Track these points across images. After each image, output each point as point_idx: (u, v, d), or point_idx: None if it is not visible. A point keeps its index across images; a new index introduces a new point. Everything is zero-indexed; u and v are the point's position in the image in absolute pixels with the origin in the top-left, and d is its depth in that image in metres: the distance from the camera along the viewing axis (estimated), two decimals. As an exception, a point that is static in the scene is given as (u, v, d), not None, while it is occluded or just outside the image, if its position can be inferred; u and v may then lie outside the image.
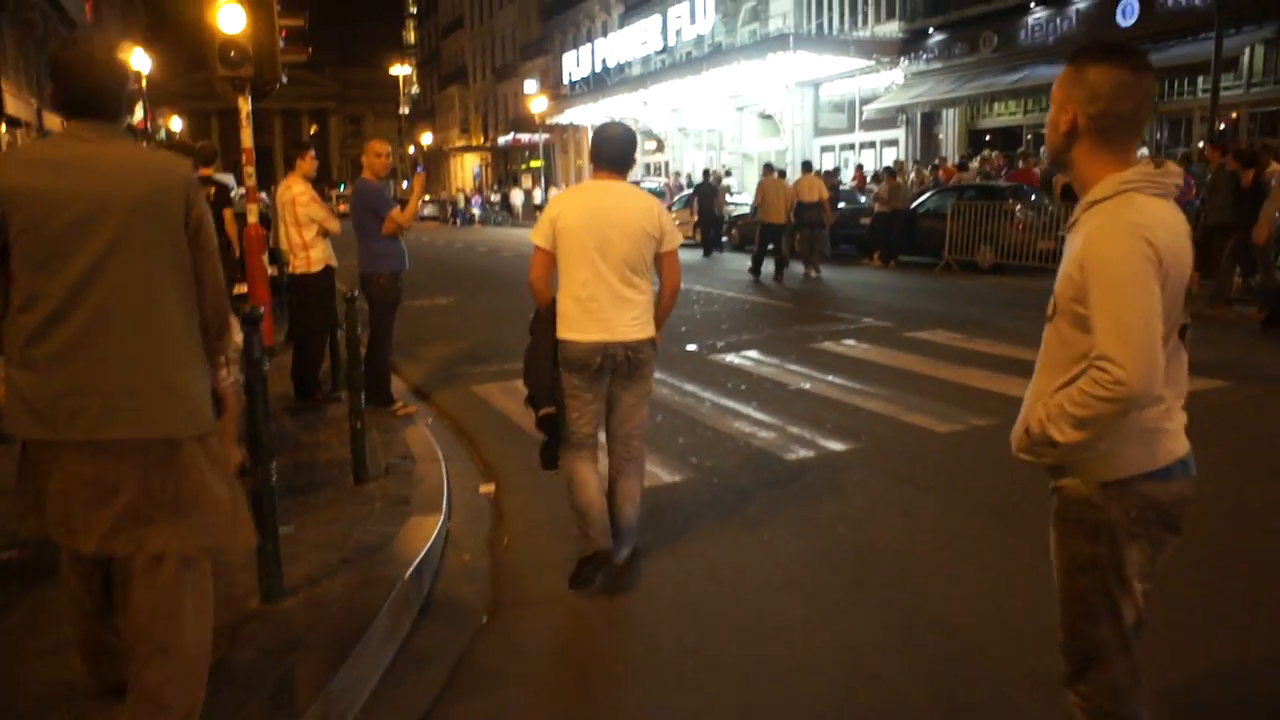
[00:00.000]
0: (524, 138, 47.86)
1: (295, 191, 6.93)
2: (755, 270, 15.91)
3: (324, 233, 7.05)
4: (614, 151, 3.87)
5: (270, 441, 3.59)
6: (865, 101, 26.39)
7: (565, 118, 39.88)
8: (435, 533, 4.41)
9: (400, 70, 74.47)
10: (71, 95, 2.40)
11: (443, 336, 10.80)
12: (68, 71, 2.39)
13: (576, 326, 3.77)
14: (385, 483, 5.17)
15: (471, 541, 4.61)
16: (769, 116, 31.15)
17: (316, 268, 7.01)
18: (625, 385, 3.92)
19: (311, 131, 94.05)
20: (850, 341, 9.33)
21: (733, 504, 4.99)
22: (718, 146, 34.35)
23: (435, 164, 69.65)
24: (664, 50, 35.57)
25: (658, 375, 7.99)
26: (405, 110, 79.79)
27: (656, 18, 34.07)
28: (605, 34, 40.38)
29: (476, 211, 44.50)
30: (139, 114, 39.18)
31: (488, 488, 5.33)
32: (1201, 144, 15.83)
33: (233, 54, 7.69)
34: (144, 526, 2.42)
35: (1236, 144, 12.00)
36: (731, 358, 8.74)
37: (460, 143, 63.13)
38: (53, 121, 31.56)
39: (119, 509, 2.40)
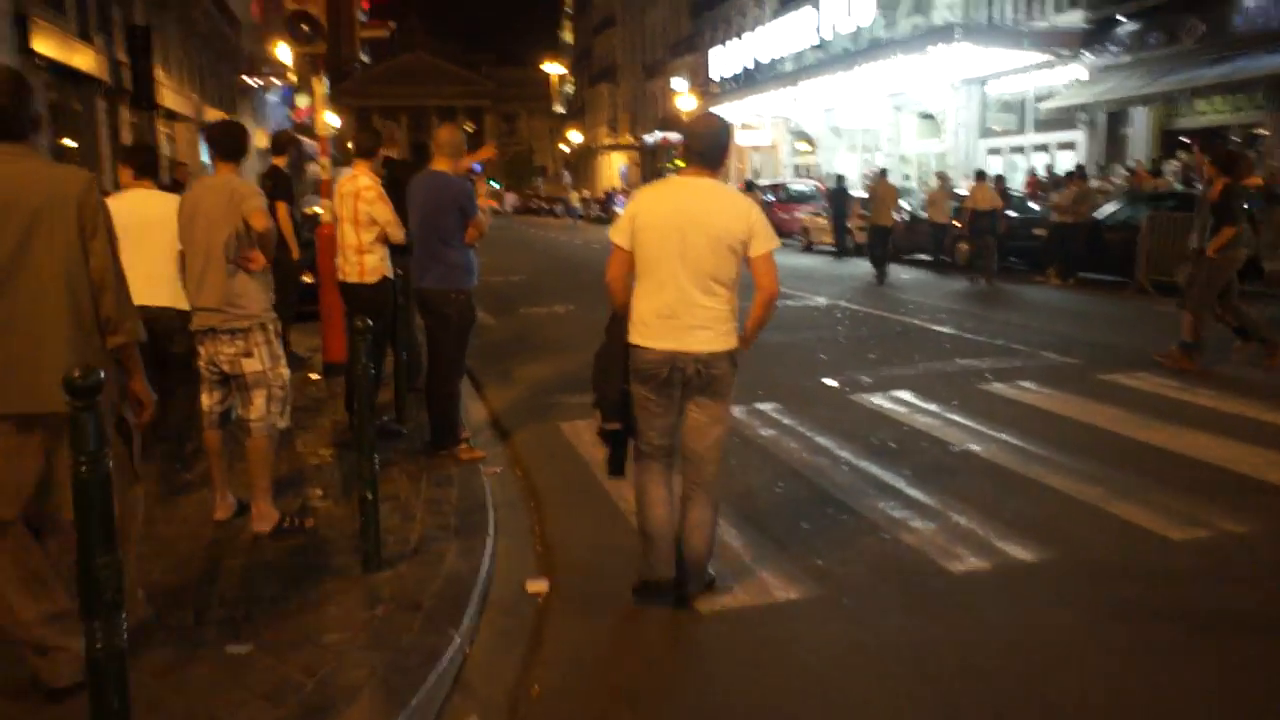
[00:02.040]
0: (671, 136, 46.83)
1: (361, 184, 5.81)
2: (879, 272, 16.08)
3: (384, 238, 5.91)
4: (706, 145, 3.55)
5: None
6: (1040, 99, 23.84)
7: (713, 115, 38.43)
8: (433, 675, 3.11)
9: (553, 68, 75.07)
10: None
11: (547, 352, 9.60)
12: None
13: (647, 333, 3.53)
14: (405, 571, 3.93)
15: (490, 681, 3.29)
16: (929, 116, 28.88)
17: (371, 278, 5.88)
18: (698, 401, 3.58)
19: (469, 128, 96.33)
20: (1028, 384, 7.57)
21: (868, 645, 3.49)
22: (873, 148, 32.24)
23: (583, 162, 69.68)
24: (819, 45, 33.79)
25: (784, 420, 6.58)
26: (560, 109, 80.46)
27: (810, 10, 32.24)
28: (755, 28, 38.82)
29: (619, 209, 43.66)
30: (302, 104, 40.19)
31: (538, 586, 4.00)
32: None
33: (305, 28, 6.66)
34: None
35: None
36: (879, 400, 7.15)
37: (608, 141, 62.78)
38: (212, 114, 32.60)
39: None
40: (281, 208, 7.74)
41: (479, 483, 5.15)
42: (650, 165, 54.49)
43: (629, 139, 58.46)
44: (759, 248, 3.47)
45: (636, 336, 3.55)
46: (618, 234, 3.59)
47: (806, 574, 4.06)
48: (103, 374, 2.17)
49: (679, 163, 45.94)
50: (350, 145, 6.16)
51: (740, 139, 39.27)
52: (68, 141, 20.16)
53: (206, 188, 4.24)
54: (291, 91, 40.99)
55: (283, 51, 31.89)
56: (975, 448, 5.86)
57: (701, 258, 3.43)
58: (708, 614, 3.72)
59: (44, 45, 18.12)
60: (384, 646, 3.29)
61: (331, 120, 47.45)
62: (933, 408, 6.85)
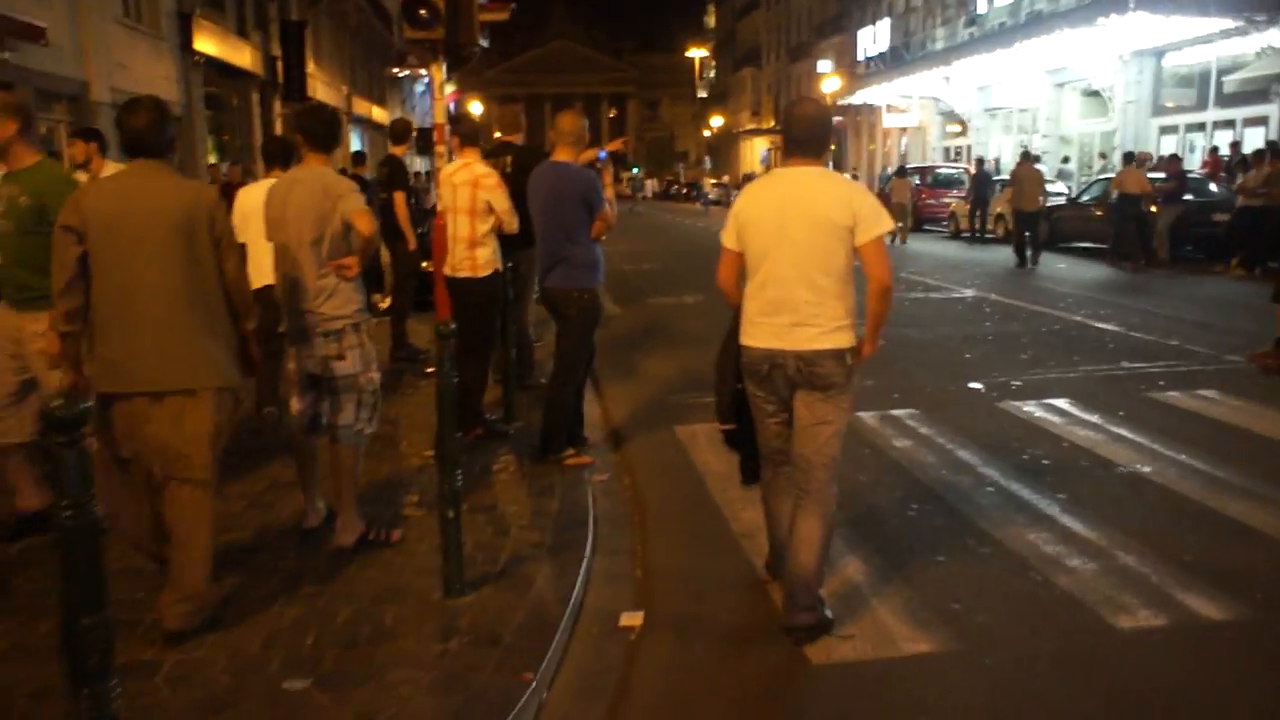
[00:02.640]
0: (814, 120, 45.53)
1: (479, 171, 5.54)
2: (1020, 259, 15.55)
3: (497, 229, 5.63)
4: (804, 132, 3.37)
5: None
6: (1224, 72, 21.71)
7: (858, 98, 37.23)
8: (501, 734, 2.76)
9: (696, 53, 74.54)
10: (126, 139, 3.27)
11: (671, 346, 9.19)
12: (124, 123, 3.26)
13: (752, 331, 3.41)
14: (489, 595, 3.61)
15: (570, 735, 2.92)
16: (1095, 93, 26.84)
17: (485, 271, 5.60)
18: (805, 401, 3.37)
19: (611, 116, 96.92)
20: (1209, 393, 6.66)
21: (1011, 717, 2.93)
22: (1029, 129, 30.32)
23: (725, 147, 68.97)
24: (971, 21, 32.04)
25: (922, 429, 5.96)
26: (703, 94, 79.94)
27: (965, -16, 30.58)
28: (908, 6, 37.21)
29: (758, 197, 43.08)
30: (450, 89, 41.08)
31: (632, 619, 3.60)
32: None
33: (422, 12, 6.45)
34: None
35: None
36: (1031, 407, 6.41)
37: (750, 125, 61.86)
38: (361, 106, 33.67)
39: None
40: (399, 197, 7.62)
41: (582, 494, 4.80)
42: (793, 150, 53.21)
43: (772, 123, 57.43)
44: (865, 233, 3.25)
45: (744, 336, 3.44)
46: (725, 235, 3.49)
47: (941, 620, 3.51)
48: (87, 405, 1.89)
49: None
50: (456, 134, 5.81)
51: (887, 121, 37.85)
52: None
53: (295, 180, 4.02)
54: (504, 105, 42.01)
55: (429, 43, 32.59)
56: (1146, 469, 5.10)
57: (804, 249, 3.27)
58: (820, 665, 3.24)
59: (205, 43, 18.95)
60: (453, 689, 2.96)
61: (475, 109, 48.51)
62: (1095, 419, 6.08)
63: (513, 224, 5.61)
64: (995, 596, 3.70)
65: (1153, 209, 15.16)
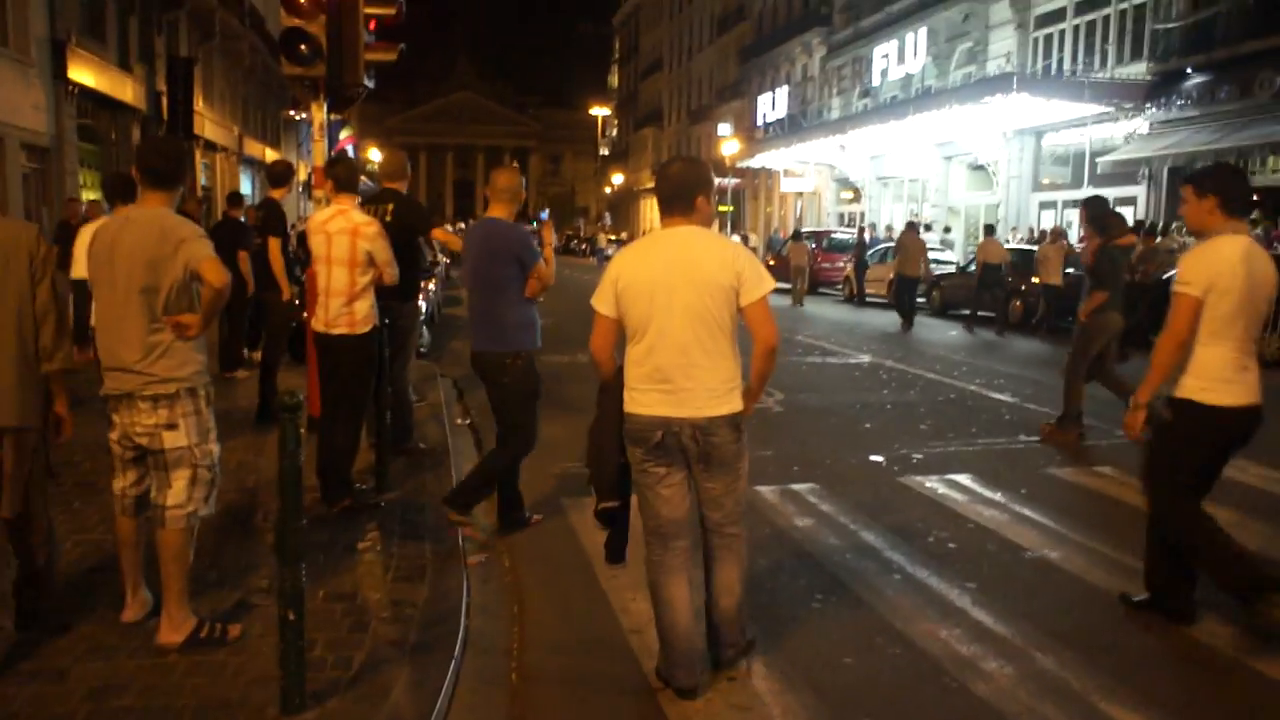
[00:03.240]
0: (715, 180, 46.27)
1: (358, 219, 5.08)
2: (905, 322, 16.43)
3: (377, 280, 5.17)
4: (672, 190, 3.30)
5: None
6: (1097, 153, 22.84)
7: (757, 161, 38.07)
8: None
9: (600, 112, 75.36)
10: None
11: (562, 409, 8.69)
12: None
13: (639, 399, 3.27)
14: (333, 712, 3.08)
15: None
16: (981, 167, 27.94)
17: (363, 327, 5.11)
18: (705, 471, 3.28)
19: (513, 168, 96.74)
20: (1106, 469, 6.60)
21: None
22: (919, 198, 31.36)
23: (625, 204, 69.52)
24: (865, 93, 33.14)
25: (823, 506, 5.67)
26: (605, 151, 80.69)
27: (860, 57, 31.64)
28: (805, 76, 38.33)
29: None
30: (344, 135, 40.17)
31: None
32: None
33: (302, 48, 5.98)
34: None
35: None
36: (934, 484, 6.20)
37: (650, 184, 62.40)
38: (254, 148, 32.53)
39: None
40: (273, 244, 7.08)
41: (455, 579, 4.30)
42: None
43: (672, 183, 58.07)
44: (750, 294, 3.18)
45: (629, 403, 3.29)
46: (600, 301, 3.34)
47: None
48: None
49: (722, 208, 45.50)
50: (330, 180, 5.31)
51: (784, 185, 38.67)
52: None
53: (129, 220, 3.49)
54: (340, 124, 41.08)
55: (326, 86, 31.81)
56: (1054, 555, 4.90)
57: (693, 312, 3.16)
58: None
59: (81, 73, 17.92)
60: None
61: (374, 155, 47.62)
62: (998, 497, 5.90)
63: (393, 276, 5.18)
64: (909, 706, 3.36)
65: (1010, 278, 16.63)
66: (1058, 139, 24.85)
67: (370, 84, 6.68)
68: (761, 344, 3.22)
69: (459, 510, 4.96)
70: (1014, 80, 21.82)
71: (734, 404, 3.22)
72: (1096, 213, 7.50)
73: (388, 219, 6.07)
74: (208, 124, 25.86)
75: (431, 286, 14.21)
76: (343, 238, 5.03)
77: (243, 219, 9.19)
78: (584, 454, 3.65)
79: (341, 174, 5.29)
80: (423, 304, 11.45)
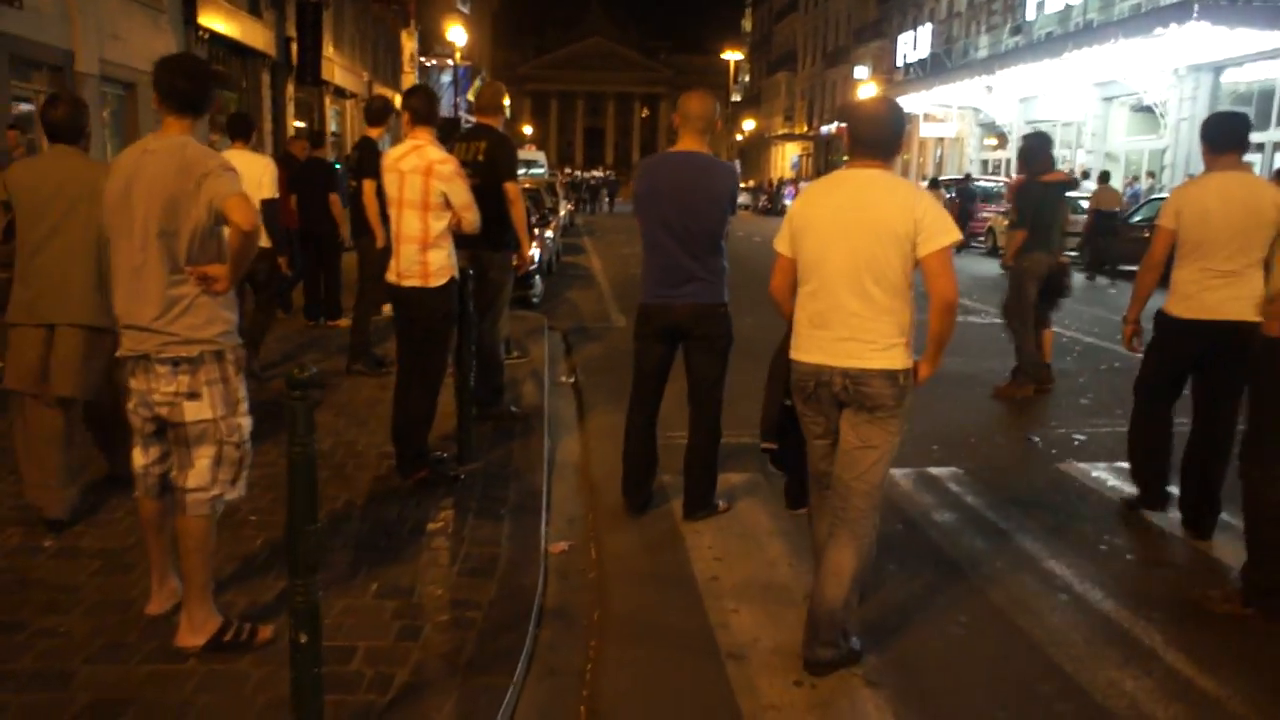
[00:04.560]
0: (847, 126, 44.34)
1: (433, 156, 4.49)
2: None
3: (455, 226, 4.58)
4: (871, 132, 3.09)
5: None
6: (1292, 91, 20.39)
7: (895, 105, 35.95)
8: None
9: (732, 56, 73.46)
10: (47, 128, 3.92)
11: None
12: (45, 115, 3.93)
13: (800, 345, 3.17)
14: (361, 751, 2.53)
15: None
16: (1147, 109, 25.49)
17: (437, 279, 4.54)
18: (851, 422, 3.10)
19: (643, 115, 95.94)
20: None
21: None
22: (1074, 144, 28.99)
23: (756, 151, 67.88)
24: (1017, 29, 30.75)
25: (969, 499, 4.83)
26: (736, 97, 78.88)
27: (1013, -10, 29.31)
28: (951, 12, 35.95)
29: (789, 202, 42.02)
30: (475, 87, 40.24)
31: None
32: None
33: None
34: None
35: None
36: (1101, 473, 5.27)
37: (783, 130, 60.65)
38: (384, 92, 32.74)
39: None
40: (368, 186, 6.58)
41: (531, 574, 3.72)
42: (824, 157, 52.16)
43: (804, 129, 56.23)
44: (929, 244, 2.95)
45: (793, 349, 3.21)
46: (779, 240, 3.26)
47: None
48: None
49: (845, 156, 43.67)
50: (406, 111, 4.67)
51: (923, 131, 36.55)
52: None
53: (146, 151, 2.95)
54: (468, 71, 41.06)
55: (455, 33, 31.64)
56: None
57: (859, 258, 3.00)
58: None
59: (211, 18, 18.04)
60: None
61: (506, 106, 47.54)
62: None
63: (474, 222, 4.57)
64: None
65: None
66: (1240, 74, 22.32)
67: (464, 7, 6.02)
68: (939, 299, 2.97)
69: (701, 516, 4.44)
70: (1194, 7, 19.51)
71: (894, 360, 2.99)
72: (1025, 146, 7.26)
73: (479, 158, 5.49)
74: (337, 70, 26.01)
75: (549, 234, 13.71)
76: (415, 177, 4.45)
77: (333, 160, 8.84)
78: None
79: (418, 105, 4.68)
80: (536, 251, 10.96)
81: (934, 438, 5.77)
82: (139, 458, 3.10)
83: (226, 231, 2.90)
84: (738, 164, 65.16)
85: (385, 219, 6.76)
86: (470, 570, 3.73)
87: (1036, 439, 5.95)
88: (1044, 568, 4.02)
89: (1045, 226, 6.93)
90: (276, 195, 6.64)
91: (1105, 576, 3.94)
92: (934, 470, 5.20)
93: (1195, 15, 19.20)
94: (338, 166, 9.50)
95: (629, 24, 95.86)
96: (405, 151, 4.57)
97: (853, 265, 2.99)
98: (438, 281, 4.53)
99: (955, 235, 2.96)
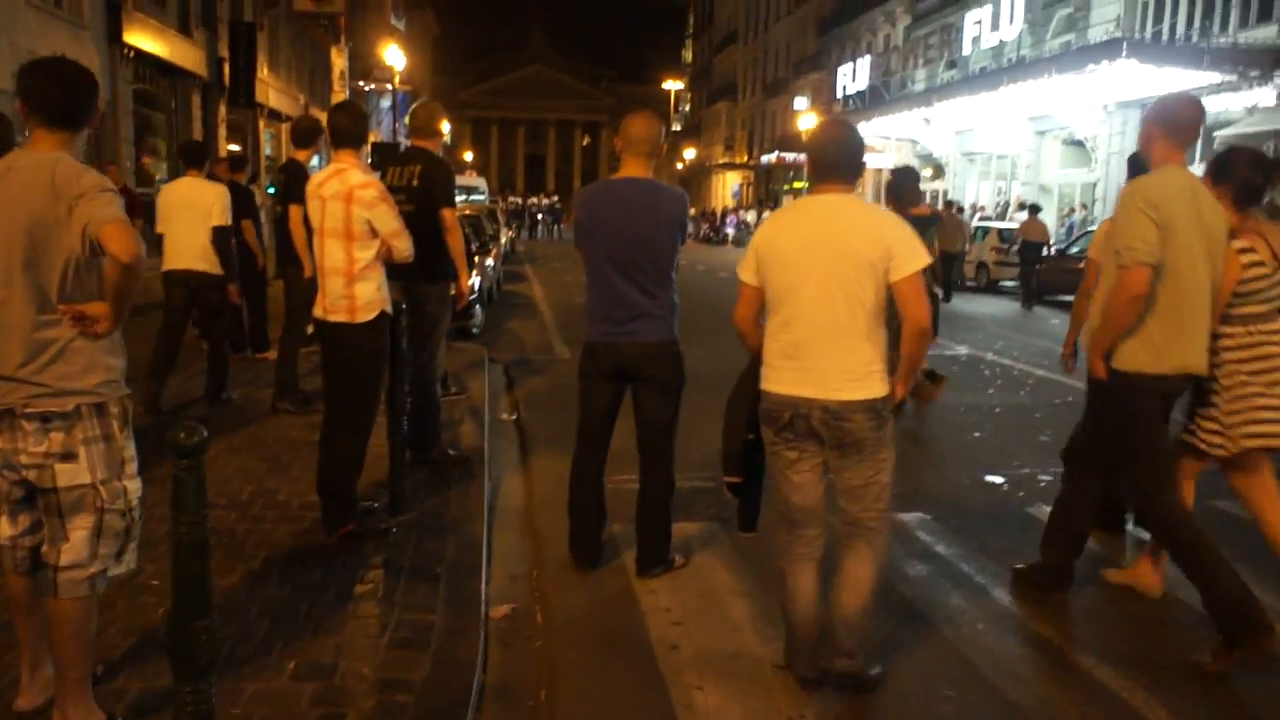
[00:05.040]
0: (788, 156, 44.75)
1: (354, 180, 4.09)
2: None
3: (384, 256, 4.19)
4: (834, 156, 3.04)
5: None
6: (1213, 128, 20.92)
7: (834, 136, 36.31)
8: None
9: (673, 86, 73.96)
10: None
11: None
12: None
13: (774, 376, 3.07)
14: None
15: None
16: (1078, 143, 26.08)
17: (365, 314, 4.14)
18: (841, 460, 3.01)
19: (584, 143, 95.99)
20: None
21: None
22: (1008, 175, 29.55)
23: (697, 179, 68.19)
24: (953, 64, 31.33)
25: (939, 548, 4.56)
26: (677, 126, 79.36)
27: (948, 25, 29.83)
28: (889, 46, 36.53)
29: (730, 231, 42.26)
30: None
31: None
32: None
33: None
34: None
35: None
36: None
37: (723, 159, 61.05)
38: (321, 116, 32.07)
39: None
40: (294, 212, 6.15)
41: (470, 647, 3.32)
42: (764, 186, 52.58)
43: (744, 158, 56.64)
44: (901, 269, 2.91)
45: (764, 380, 3.11)
46: (744, 269, 3.17)
47: None
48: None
49: (797, 184, 43.94)
50: (329, 130, 4.28)
51: (863, 162, 36.92)
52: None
53: (11, 170, 2.53)
54: (407, 96, 40.46)
55: (392, 54, 31.14)
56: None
57: (832, 287, 2.94)
58: None
59: (137, 37, 17.41)
60: None
61: (445, 128, 47.01)
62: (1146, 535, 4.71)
63: (405, 250, 4.19)
64: None
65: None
66: (1167, 113, 22.89)
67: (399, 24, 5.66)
68: (912, 323, 2.93)
69: (657, 573, 4.07)
70: (1123, 46, 20.00)
71: (872, 389, 2.93)
72: (893, 181, 7.38)
73: (414, 183, 5.12)
74: (271, 92, 25.37)
75: (490, 262, 13.30)
76: (336, 204, 4.06)
77: (246, 184, 8.41)
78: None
79: (341, 122, 4.30)
80: (476, 280, 10.54)
81: (900, 480, 5.47)
82: (5, 528, 2.65)
83: (106, 263, 2.49)
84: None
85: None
86: (402, 642, 3.32)
87: (1000, 480, 5.71)
88: (1032, 631, 3.74)
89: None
90: (228, 223, 6.46)
91: (1091, 636, 3.67)
92: (901, 516, 4.92)
93: (1124, 54, 19.66)
94: (271, 190, 9.06)
95: (571, 52, 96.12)
96: (327, 176, 4.18)
97: (825, 293, 2.93)
98: (365, 316, 4.13)
99: (925, 259, 2.94)
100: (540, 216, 44.36)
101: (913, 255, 2.90)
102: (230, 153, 9.65)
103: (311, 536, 4.22)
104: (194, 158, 6.78)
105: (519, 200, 51.32)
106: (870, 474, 3.00)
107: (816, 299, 2.93)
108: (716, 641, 3.53)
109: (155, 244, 6.63)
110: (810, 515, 3.13)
